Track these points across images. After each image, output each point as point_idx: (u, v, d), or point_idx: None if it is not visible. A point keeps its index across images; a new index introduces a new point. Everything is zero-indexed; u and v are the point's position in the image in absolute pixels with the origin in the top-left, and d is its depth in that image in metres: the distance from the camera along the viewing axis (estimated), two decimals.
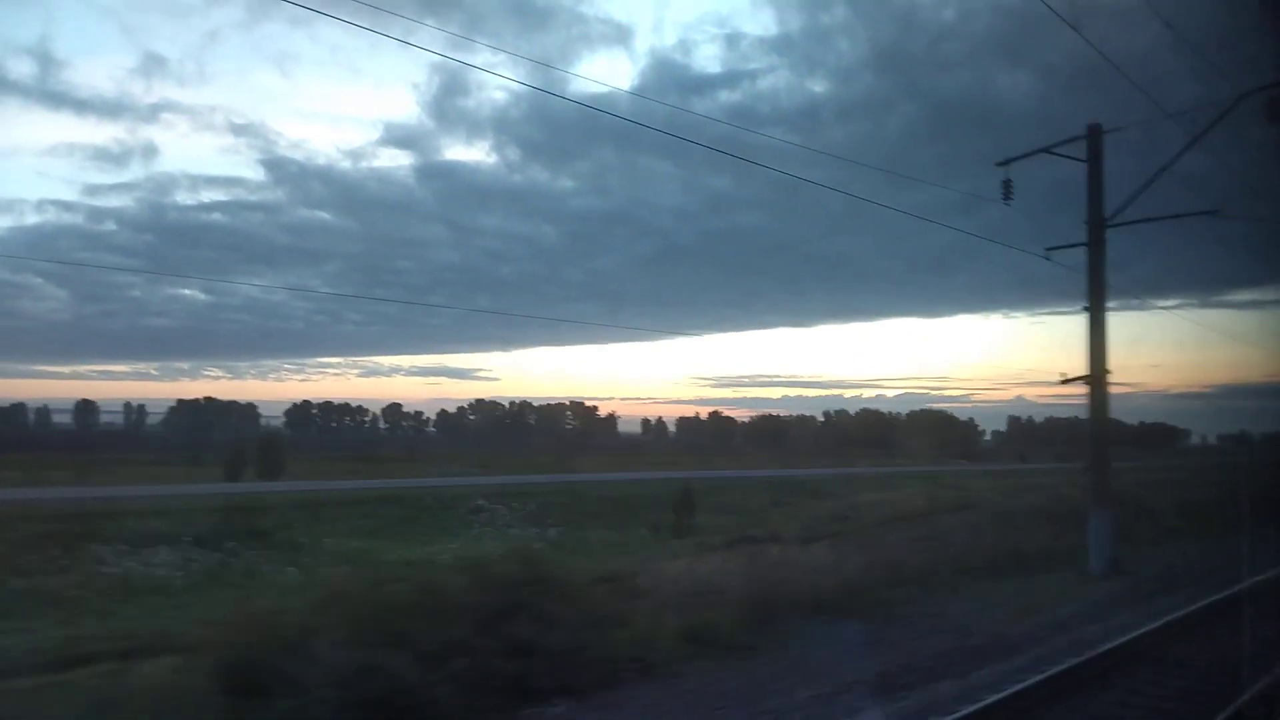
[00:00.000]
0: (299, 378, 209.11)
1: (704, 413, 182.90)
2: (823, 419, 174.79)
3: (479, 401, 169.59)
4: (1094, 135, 18.56)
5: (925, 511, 28.06)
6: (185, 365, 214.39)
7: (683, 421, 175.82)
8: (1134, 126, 18.51)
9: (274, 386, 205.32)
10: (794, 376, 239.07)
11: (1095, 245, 18.56)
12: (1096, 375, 18.86)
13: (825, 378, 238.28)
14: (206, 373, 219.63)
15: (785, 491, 42.72)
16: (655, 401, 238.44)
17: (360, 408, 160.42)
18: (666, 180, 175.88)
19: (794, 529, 22.34)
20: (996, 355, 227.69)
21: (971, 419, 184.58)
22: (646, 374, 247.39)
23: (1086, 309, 18.80)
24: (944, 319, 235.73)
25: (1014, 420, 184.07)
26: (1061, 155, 18.77)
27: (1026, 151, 19.10)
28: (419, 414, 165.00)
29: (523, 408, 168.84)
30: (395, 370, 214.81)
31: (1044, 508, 25.15)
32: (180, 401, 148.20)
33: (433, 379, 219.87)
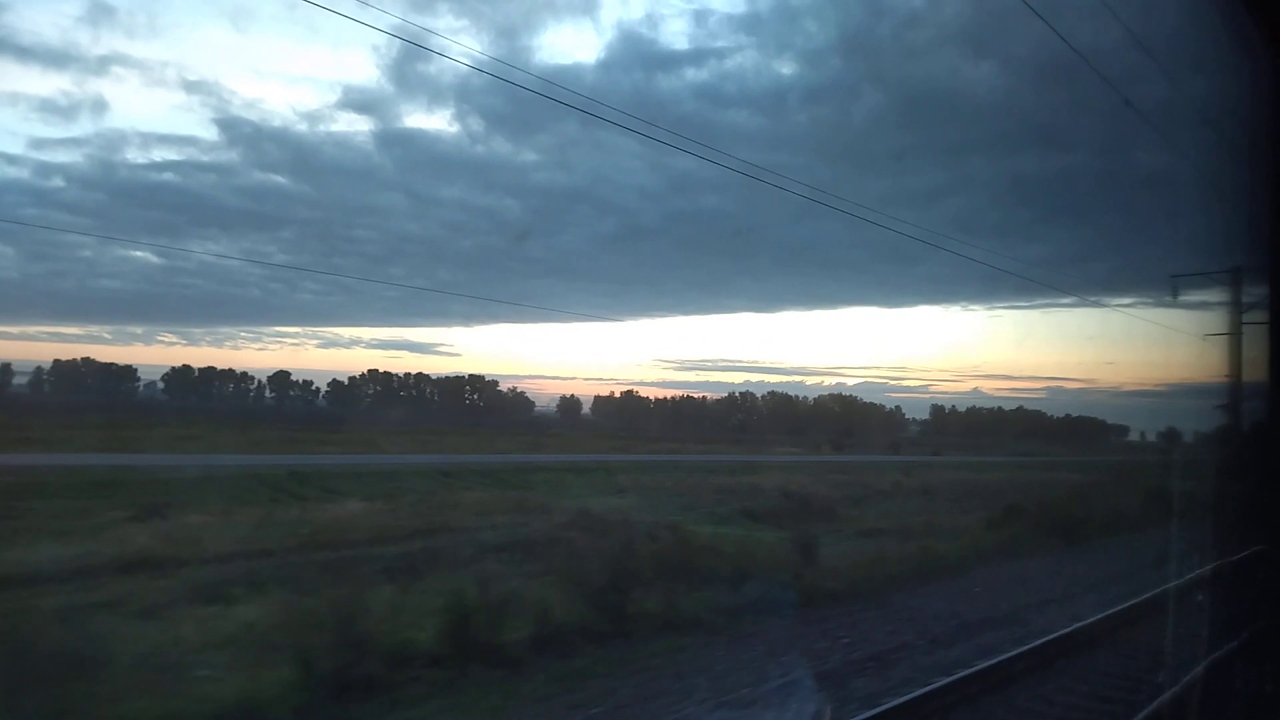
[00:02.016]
0: (255, 346, 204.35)
1: (667, 395, 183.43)
2: (736, 399, 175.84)
3: (372, 372, 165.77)
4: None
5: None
6: (139, 330, 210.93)
7: (599, 401, 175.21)
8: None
9: (229, 354, 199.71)
10: (756, 362, 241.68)
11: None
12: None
13: (787, 364, 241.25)
14: (160, 338, 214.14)
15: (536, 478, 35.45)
16: (617, 382, 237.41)
17: (245, 374, 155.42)
18: (631, 157, 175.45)
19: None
20: (955, 347, 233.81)
21: (898, 407, 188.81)
22: (610, 355, 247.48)
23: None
24: (905, 309, 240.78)
25: (937, 410, 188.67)
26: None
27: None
28: (308, 383, 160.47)
29: (419, 380, 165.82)
30: (355, 342, 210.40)
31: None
32: (57, 362, 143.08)
33: (393, 352, 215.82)
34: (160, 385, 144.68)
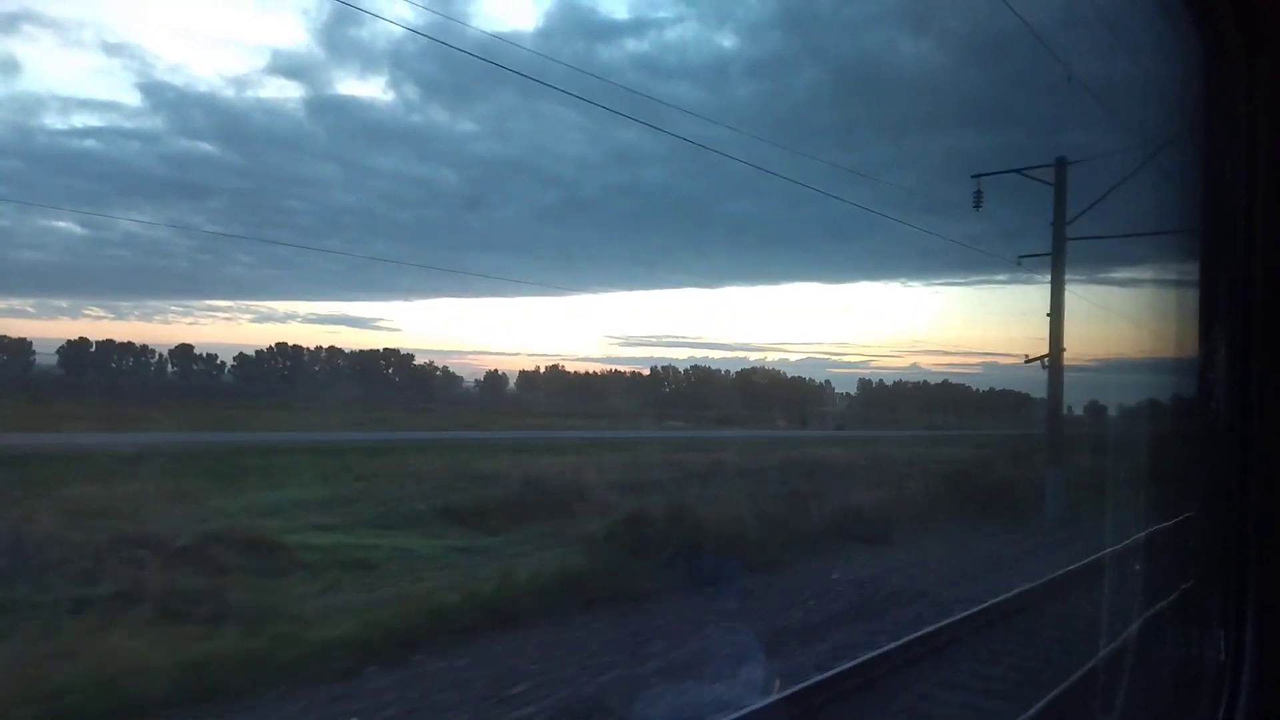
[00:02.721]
0: (186, 320, 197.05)
1: (598, 370, 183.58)
2: (648, 375, 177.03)
3: (280, 345, 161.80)
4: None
5: None
6: (64, 303, 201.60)
7: (524, 376, 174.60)
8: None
9: (159, 329, 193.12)
10: (701, 338, 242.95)
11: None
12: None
13: (732, 340, 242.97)
14: (87, 312, 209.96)
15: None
16: (563, 358, 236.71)
17: (145, 348, 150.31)
18: (571, 129, 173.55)
19: None
20: (895, 323, 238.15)
21: (828, 382, 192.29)
22: (557, 330, 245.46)
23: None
24: (845, 284, 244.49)
25: (864, 384, 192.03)
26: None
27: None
28: (213, 357, 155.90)
29: (331, 353, 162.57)
30: (291, 316, 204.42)
31: None
32: None
33: (331, 327, 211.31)
34: (56, 360, 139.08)
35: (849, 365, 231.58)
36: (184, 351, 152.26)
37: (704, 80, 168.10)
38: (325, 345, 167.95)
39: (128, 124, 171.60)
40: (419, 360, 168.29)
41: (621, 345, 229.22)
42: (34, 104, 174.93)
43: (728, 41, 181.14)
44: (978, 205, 23.76)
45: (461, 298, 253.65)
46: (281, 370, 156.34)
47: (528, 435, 54.17)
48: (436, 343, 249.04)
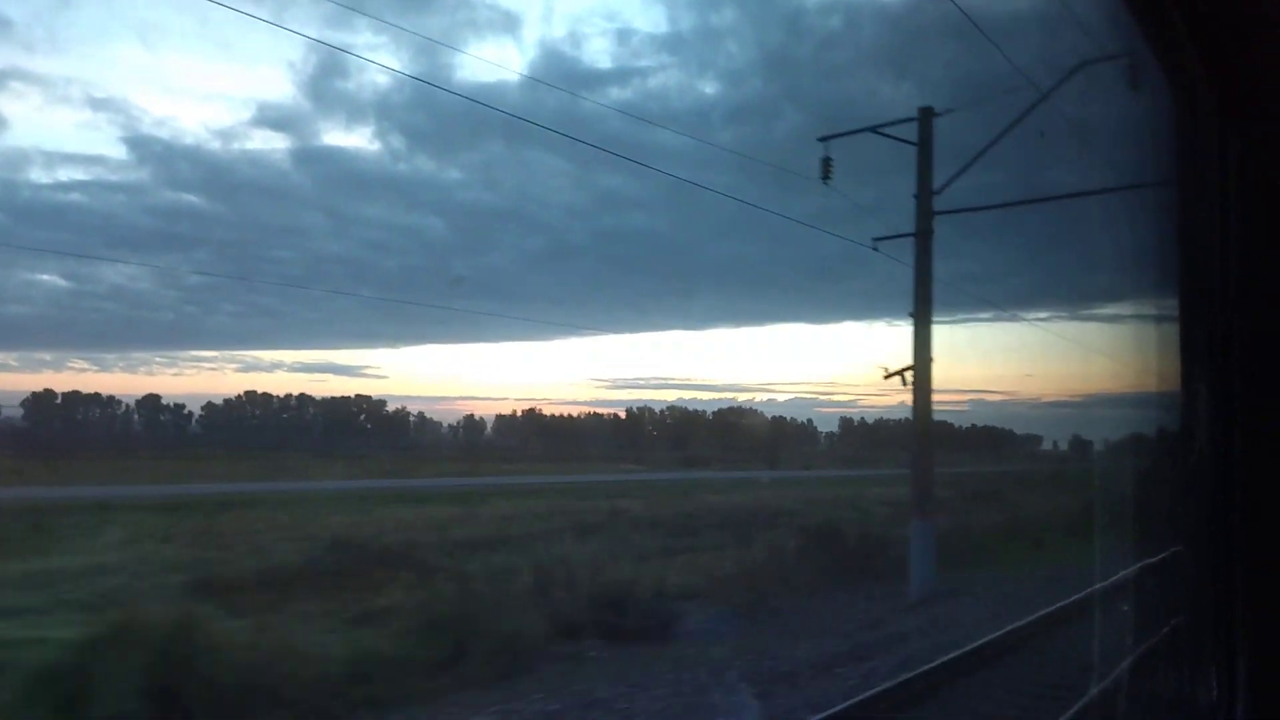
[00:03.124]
0: (171, 372, 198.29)
1: (575, 413, 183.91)
2: (624, 417, 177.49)
3: (250, 393, 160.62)
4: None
5: None
6: (48, 356, 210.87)
7: (500, 420, 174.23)
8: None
9: (143, 380, 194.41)
10: (690, 379, 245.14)
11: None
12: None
13: (718, 381, 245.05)
14: (71, 364, 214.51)
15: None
16: (550, 403, 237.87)
17: (112, 398, 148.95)
18: (557, 175, 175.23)
19: None
20: (881, 362, 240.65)
21: (810, 421, 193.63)
22: (541, 375, 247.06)
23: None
24: (831, 325, 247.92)
25: (846, 422, 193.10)
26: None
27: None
28: (180, 406, 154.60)
29: (301, 401, 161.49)
30: (277, 366, 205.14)
31: None
32: None
33: (318, 375, 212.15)
34: (20, 410, 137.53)
35: (837, 405, 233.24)
36: (151, 401, 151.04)
37: (688, 126, 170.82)
38: (296, 393, 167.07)
39: (113, 177, 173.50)
40: (393, 406, 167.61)
41: (609, 388, 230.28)
42: (19, 159, 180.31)
43: (710, 88, 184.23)
44: (825, 178, 19.32)
45: (448, 344, 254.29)
46: (251, 419, 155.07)
47: (452, 482, 52.16)
48: (423, 389, 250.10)
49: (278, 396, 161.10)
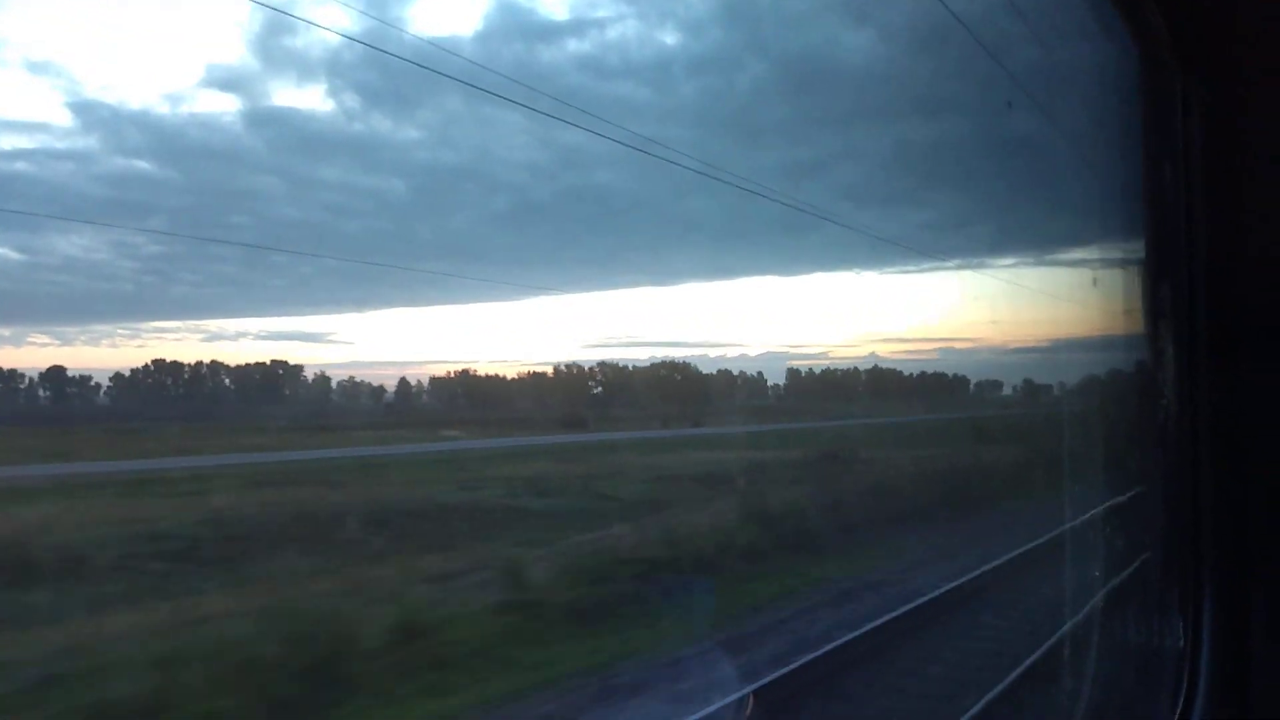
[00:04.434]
0: (135, 344, 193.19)
1: (516, 374, 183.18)
2: (552, 374, 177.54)
3: (159, 362, 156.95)
4: None
5: None
6: (6, 332, 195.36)
7: (435, 383, 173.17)
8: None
9: (106, 353, 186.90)
10: (660, 338, 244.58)
11: None
12: None
13: (691, 338, 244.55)
14: (31, 339, 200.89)
15: None
16: (520, 365, 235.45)
17: (14, 372, 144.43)
18: (518, 132, 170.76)
19: None
20: (850, 313, 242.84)
21: (760, 373, 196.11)
22: (514, 336, 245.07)
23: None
24: (801, 276, 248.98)
25: (793, 373, 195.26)
26: None
27: None
28: (87, 378, 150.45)
29: (213, 368, 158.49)
30: (242, 335, 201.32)
31: None
32: None
33: (283, 343, 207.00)
34: None
35: (809, 357, 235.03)
36: (55, 373, 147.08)
37: (648, 79, 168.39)
38: (207, 360, 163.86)
39: (59, 144, 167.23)
40: (349, 373, 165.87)
41: (580, 348, 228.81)
42: None
43: (670, 39, 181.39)
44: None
45: (414, 307, 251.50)
46: (166, 389, 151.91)
47: (289, 456, 46.93)
48: (391, 354, 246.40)
49: (188, 365, 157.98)
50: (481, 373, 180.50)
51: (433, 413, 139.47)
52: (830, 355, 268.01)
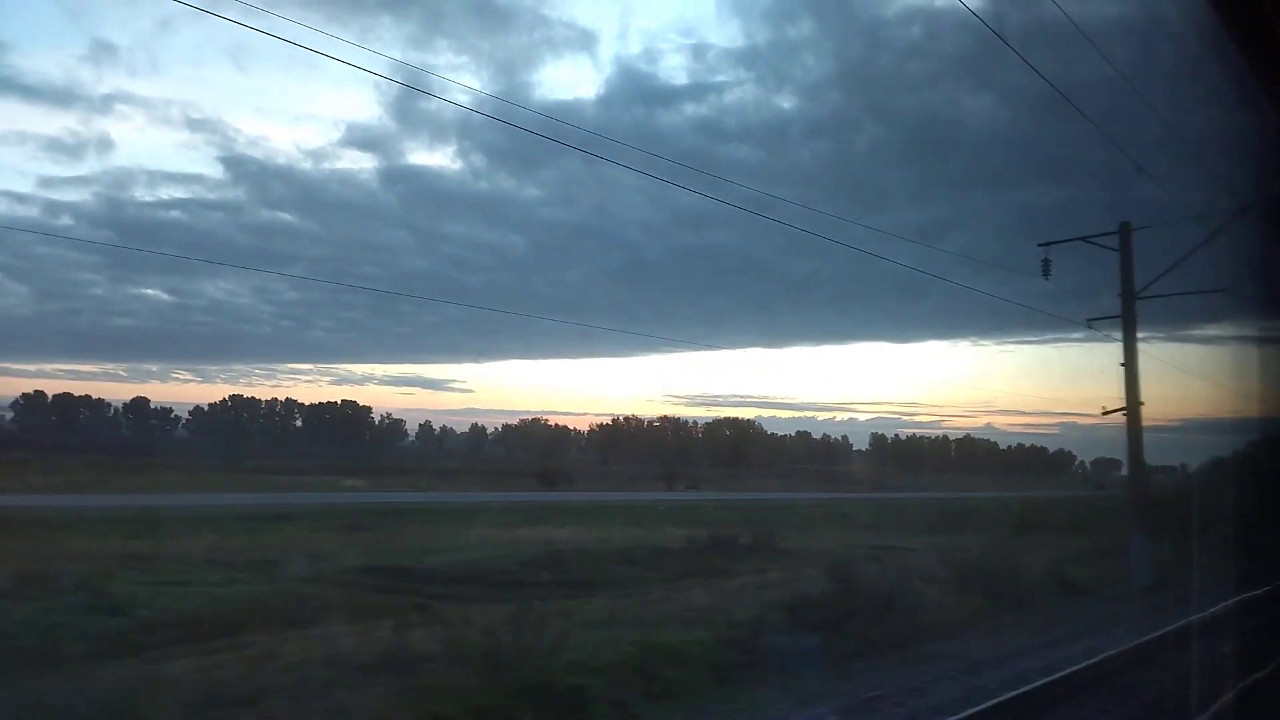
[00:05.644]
0: (269, 384, 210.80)
1: (593, 426, 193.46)
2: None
3: (235, 398, 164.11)
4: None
5: None
6: (154, 367, 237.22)
7: (506, 431, 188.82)
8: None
9: (244, 391, 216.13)
10: (766, 397, 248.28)
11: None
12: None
13: (797, 399, 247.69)
14: (175, 375, 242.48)
15: None
16: (626, 418, 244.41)
17: (101, 402, 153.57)
18: (633, 192, 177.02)
19: None
20: (966, 382, 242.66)
21: (845, 437, 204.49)
22: (619, 390, 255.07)
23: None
24: (913, 344, 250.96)
25: (878, 438, 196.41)
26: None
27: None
28: (167, 410, 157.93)
29: (287, 407, 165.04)
30: (368, 379, 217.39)
31: None
32: None
33: (406, 389, 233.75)
34: (9, 415, 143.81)
35: (919, 425, 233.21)
36: (138, 405, 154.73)
37: (764, 141, 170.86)
38: (281, 399, 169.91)
39: (211, 195, 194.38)
40: (472, 420, 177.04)
41: (685, 404, 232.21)
42: (124, 178, 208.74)
43: (786, 102, 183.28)
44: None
45: (527, 359, 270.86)
46: (244, 425, 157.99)
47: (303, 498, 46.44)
48: (503, 401, 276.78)
49: (264, 402, 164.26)
50: (552, 423, 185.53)
51: (508, 460, 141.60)
52: (944, 424, 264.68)
